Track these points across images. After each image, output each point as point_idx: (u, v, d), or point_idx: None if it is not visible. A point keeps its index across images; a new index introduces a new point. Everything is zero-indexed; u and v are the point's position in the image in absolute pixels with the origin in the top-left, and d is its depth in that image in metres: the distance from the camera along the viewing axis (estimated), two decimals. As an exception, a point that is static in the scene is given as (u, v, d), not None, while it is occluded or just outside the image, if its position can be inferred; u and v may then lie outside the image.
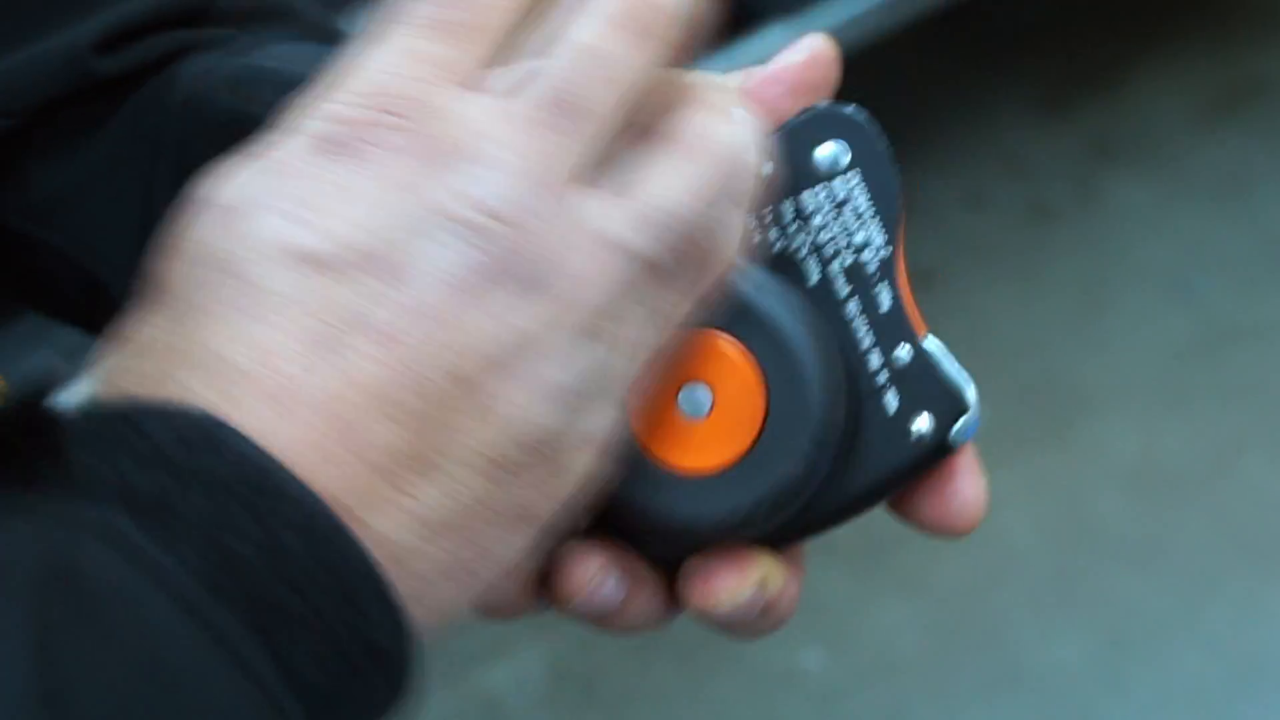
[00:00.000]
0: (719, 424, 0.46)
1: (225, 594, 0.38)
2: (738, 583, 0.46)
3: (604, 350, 0.42)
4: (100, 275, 0.58)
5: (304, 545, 0.38)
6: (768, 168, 0.46)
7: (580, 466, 0.42)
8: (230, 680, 0.38)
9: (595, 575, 0.46)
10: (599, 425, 0.42)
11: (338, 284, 0.40)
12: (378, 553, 0.39)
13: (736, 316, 0.46)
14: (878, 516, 0.49)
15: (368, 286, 0.40)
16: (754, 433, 0.46)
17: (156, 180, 0.57)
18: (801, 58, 0.49)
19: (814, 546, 0.49)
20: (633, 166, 0.43)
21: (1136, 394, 1.96)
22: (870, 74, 1.64)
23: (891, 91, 2.17)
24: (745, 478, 0.46)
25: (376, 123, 0.41)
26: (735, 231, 0.44)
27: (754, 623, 0.47)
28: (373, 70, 0.42)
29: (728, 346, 0.46)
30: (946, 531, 0.48)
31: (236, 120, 0.53)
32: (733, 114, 0.45)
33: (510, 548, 0.42)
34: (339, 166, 0.41)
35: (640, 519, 0.46)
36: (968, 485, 0.48)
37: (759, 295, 0.47)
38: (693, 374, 0.46)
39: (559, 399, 0.41)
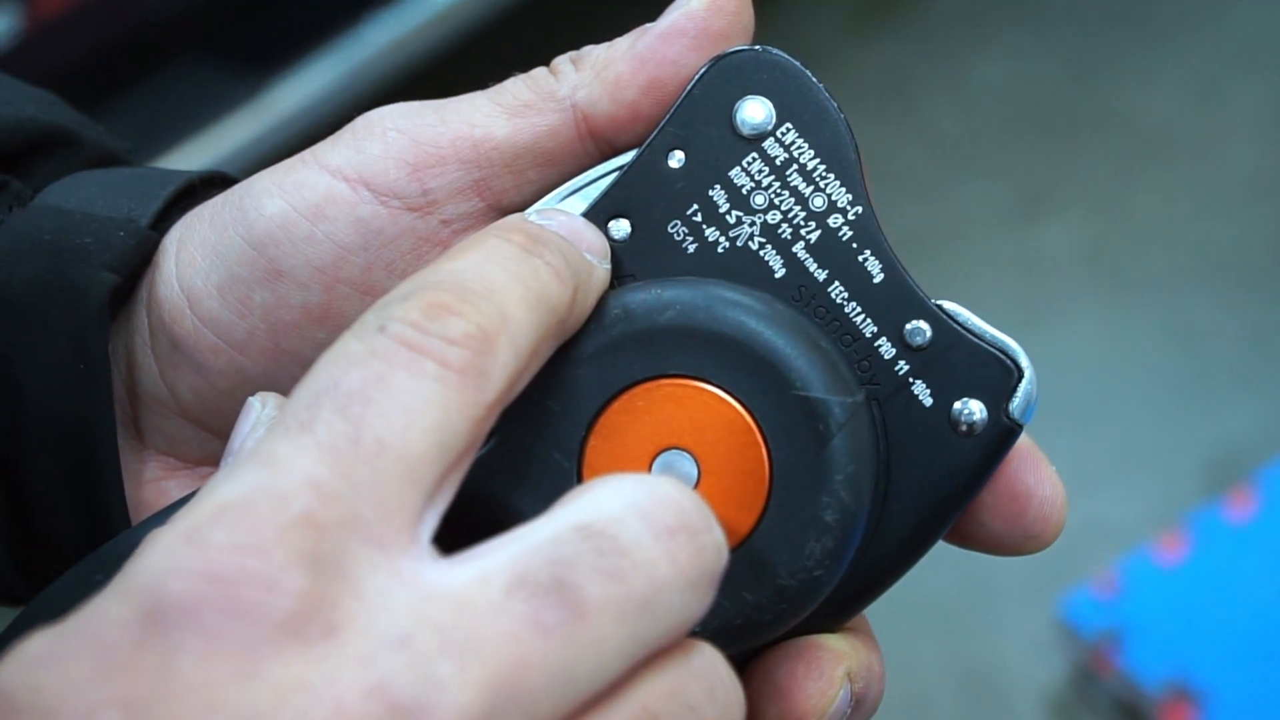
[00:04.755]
0: (713, 495, 0.35)
1: None
2: (822, 691, 0.36)
3: None
4: None
5: None
6: (678, 160, 0.38)
7: None
8: None
9: None
10: None
11: None
12: None
13: (697, 353, 0.36)
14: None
15: None
16: (761, 499, 0.36)
17: None
18: (703, 2, 0.40)
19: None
20: None
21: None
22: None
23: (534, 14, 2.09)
24: (757, 562, 0.35)
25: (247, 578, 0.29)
26: None
27: None
28: (246, 489, 0.30)
29: (699, 394, 0.36)
30: (1029, 544, 0.39)
31: (40, 292, 0.41)
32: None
33: None
34: (184, 654, 0.28)
35: None
36: (1038, 479, 0.38)
37: (719, 317, 0.36)
38: (663, 441, 0.36)
39: None
